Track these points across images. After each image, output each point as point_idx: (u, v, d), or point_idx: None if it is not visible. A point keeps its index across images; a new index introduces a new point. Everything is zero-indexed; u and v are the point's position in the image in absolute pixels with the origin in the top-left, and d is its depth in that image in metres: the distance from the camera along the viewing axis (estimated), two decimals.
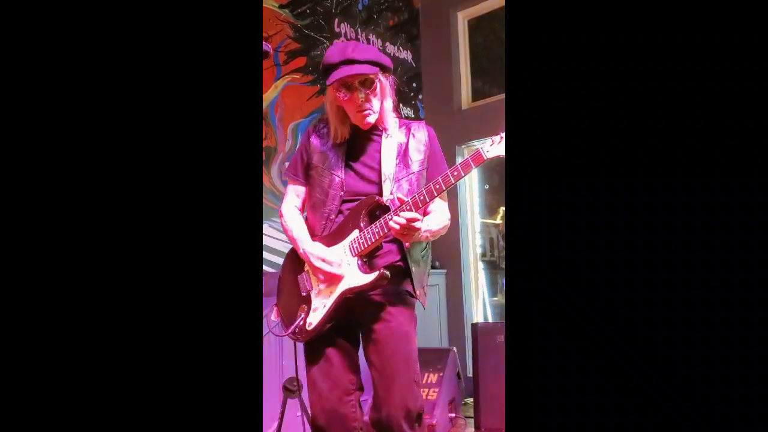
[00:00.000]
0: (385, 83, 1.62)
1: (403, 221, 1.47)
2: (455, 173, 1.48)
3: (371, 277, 1.53)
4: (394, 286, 1.59)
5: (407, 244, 1.59)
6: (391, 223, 1.49)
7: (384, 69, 1.60)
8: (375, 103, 1.60)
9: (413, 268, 1.61)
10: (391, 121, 1.67)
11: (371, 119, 1.62)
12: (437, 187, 1.49)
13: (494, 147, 1.47)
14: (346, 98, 1.59)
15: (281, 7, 3.67)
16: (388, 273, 1.53)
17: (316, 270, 1.60)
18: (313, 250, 1.61)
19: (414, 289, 1.62)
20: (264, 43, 1.29)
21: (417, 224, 1.48)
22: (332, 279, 1.59)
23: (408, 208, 1.49)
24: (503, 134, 1.45)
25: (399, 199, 1.53)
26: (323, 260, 1.58)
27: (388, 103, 1.65)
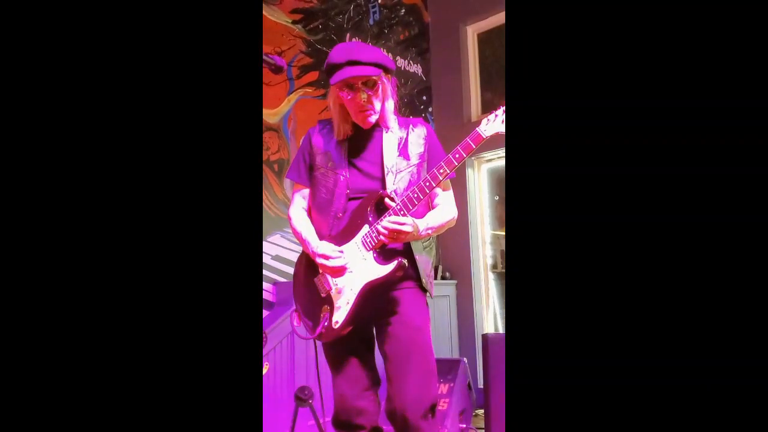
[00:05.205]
0: (387, 84, 1.67)
1: (391, 226, 1.51)
2: (456, 155, 1.54)
3: (390, 267, 1.56)
4: (406, 278, 1.63)
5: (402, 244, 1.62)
6: (380, 230, 1.52)
7: (387, 70, 1.65)
8: (377, 103, 1.64)
9: (416, 255, 1.64)
10: (392, 120, 1.72)
11: (372, 119, 1.66)
12: (441, 171, 1.53)
13: (491, 125, 1.55)
14: (348, 98, 1.62)
15: (294, 22, 3.74)
16: (405, 261, 1.56)
17: (326, 268, 1.62)
18: (322, 249, 1.63)
19: (420, 278, 1.65)
20: (277, 57, 1.33)
21: (406, 228, 1.52)
22: (341, 272, 1.61)
23: (401, 209, 1.54)
24: (498, 112, 1.54)
25: (389, 199, 1.56)
26: (327, 257, 1.60)
27: (390, 104, 1.70)
